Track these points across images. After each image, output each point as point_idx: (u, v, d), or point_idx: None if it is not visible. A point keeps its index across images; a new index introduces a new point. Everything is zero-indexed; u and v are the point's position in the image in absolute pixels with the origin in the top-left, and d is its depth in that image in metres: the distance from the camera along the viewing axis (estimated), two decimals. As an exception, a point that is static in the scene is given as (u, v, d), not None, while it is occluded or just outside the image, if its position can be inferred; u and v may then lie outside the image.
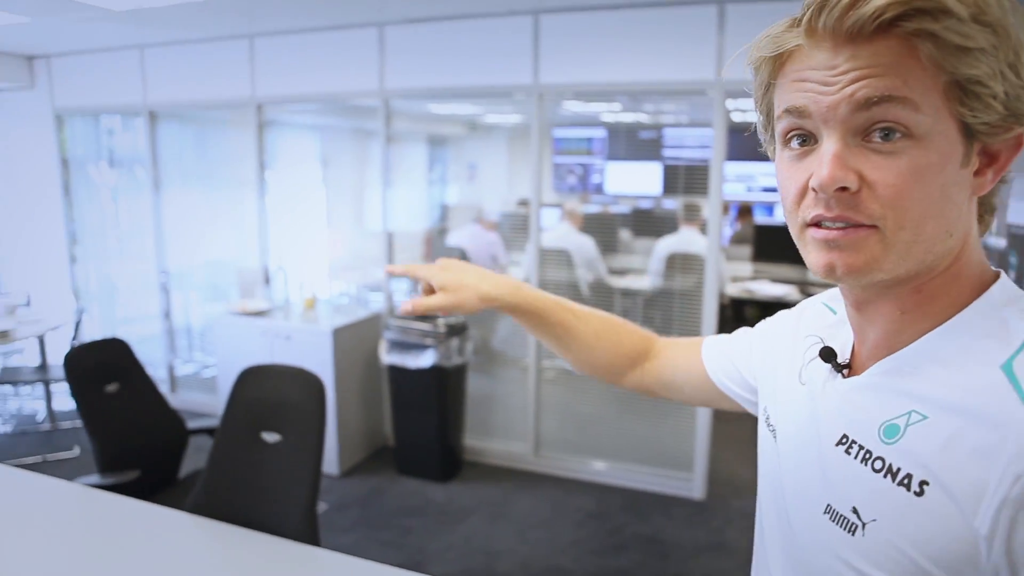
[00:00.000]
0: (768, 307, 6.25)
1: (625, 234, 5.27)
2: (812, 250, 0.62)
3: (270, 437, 2.05)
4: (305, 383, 2.04)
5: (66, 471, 3.66)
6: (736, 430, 4.51)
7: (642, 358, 1.12)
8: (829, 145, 0.59)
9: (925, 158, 0.56)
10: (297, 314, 4.12)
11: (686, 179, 3.83)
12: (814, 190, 0.59)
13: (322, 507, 3.53)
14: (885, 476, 0.60)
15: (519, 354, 4.09)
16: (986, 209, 0.64)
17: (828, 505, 0.65)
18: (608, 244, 4.51)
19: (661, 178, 4.71)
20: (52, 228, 5.30)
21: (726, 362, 0.99)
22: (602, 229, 4.66)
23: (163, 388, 4.97)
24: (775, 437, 0.78)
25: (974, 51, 0.54)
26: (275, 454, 2.03)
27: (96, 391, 2.66)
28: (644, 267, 4.56)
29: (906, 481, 0.58)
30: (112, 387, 2.73)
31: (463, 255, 4.77)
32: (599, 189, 5.96)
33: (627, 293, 4.36)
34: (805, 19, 0.58)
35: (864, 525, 0.61)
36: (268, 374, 2.12)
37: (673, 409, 3.78)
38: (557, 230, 4.59)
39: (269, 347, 3.93)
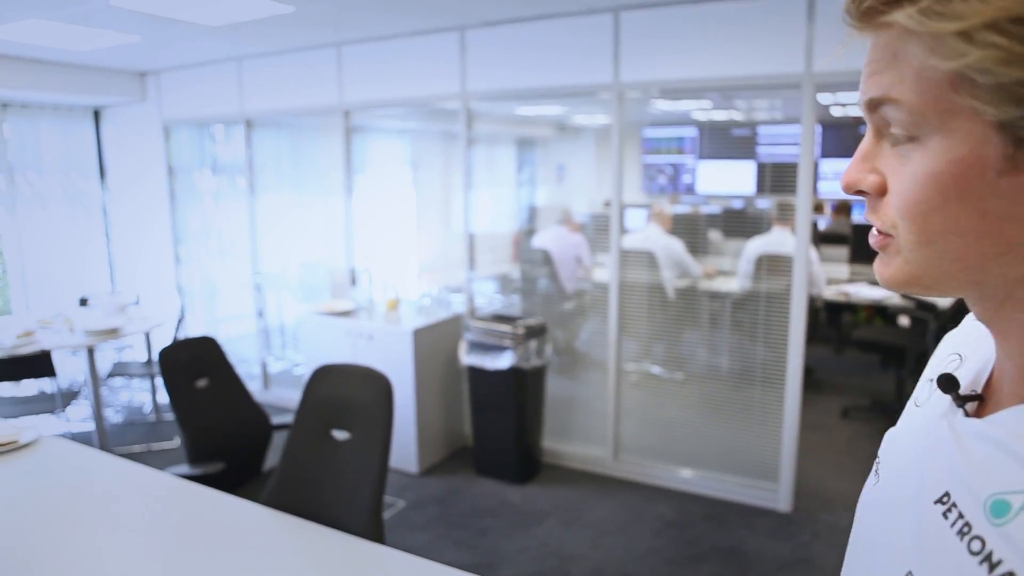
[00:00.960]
0: (864, 311, 5.92)
1: (715, 235, 5.12)
2: None
3: (340, 435, 2.10)
4: (373, 383, 2.08)
5: (167, 460, 3.89)
6: (825, 439, 4.30)
7: None
8: (863, 142, 0.53)
9: (931, 165, 0.47)
10: (380, 314, 4.21)
11: (780, 177, 3.68)
12: None
13: (400, 504, 3.59)
14: (981, 563, 0.46)
15: (601, 356, 4.04)
16: None
17: (910, 573, 0.53)
18: (697, 245, 4.40)
19: (755, 177, 4.55)
20: (160, 231, 5.65)
21: None
22: (691, 230, 4.55)
23: (256, 384, 5.26)
24: (877, 481, 0.65)
25: (971, 32, 0.43)
26: (344, 452, 2.07)
27: (187, 386, 2.81)
28: (734, 269, 4.41)
29: (994, 567, 0.45)
30: (202, 382, 2.87)
31: (547, 257, 4.76)
32: (690, 189, 5.81)
33: (715, 296, 4.23)
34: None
35: None
36: (339, 373, 2.17)
37: (758, 416, 3.63)
38: (644, 231, 4.51)
39: (352, 346, 4.04)
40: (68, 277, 5.74)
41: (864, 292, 5.10)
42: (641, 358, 4.07)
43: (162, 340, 4.79)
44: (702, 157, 5.52)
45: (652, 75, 3.59)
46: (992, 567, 0.46)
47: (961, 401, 0.56)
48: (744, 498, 3.59)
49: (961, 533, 0.49)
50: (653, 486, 3.80)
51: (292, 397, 5.07)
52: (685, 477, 3.79)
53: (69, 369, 5.17)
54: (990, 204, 0.46)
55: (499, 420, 3.82)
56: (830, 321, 5.87)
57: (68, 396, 4.04)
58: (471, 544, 3.21)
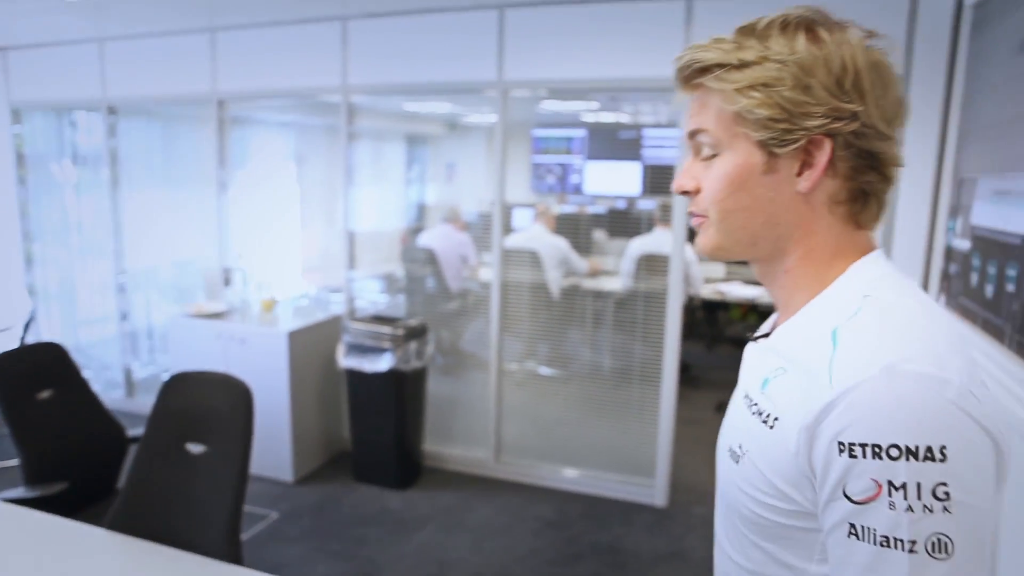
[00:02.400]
0: (743, 309, 6.19)
1: (600, 235, 5.19)
2: None
3: (195, 448, 1.95)
4: (231, 390, 1.94)
5: (7, 481, 3.54)
6: (700, 433, 4.44)
7: None
8: (686, 162, 0.84)
9: (725, 168, 0.78)
10: (255, 316, 4.01)
11: (663, 179, 3.76)
12: None
13: (273, 516, 3.42)
14: (755, 415, 0.77)
15: (485, 356, 4.00)
16: (863, 205, 0.78)
17: (729, 447, 0.82)
18: (581, 245, 4.43)
19: (640, 178, 4.64)
20: (7, 226, 5.15)
21: None
22: (576, 230, 4.58)
23: (118, 392, 4.90)
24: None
25: (743, 89, 0.74)
26: (200, 466, 1.92)
27: (26, 398, 2.54)
28: (617, 268, 4.48)
29: (766, 419, 0.75)
30: (45, 394, 2.61)
31: (432, 255, 4.68)
32: (578, 189, 5.88)
33: (599, 295, 4.28)
34: None
35: (742, 456, 0.78)
36: (195, 382, 2.02)
37: (636, 413, 3.70)
38: (529, 231, 4.51)
39: (224, 350, 3.82)
40: None
41: (738, 291, 5.32)
42: (524, 358, 4.07)
43: (7, 345, 4.39)
44: (590, 158, 5.60)
45: (537, 74, 3.58)
46: (760, 415, 0.76)
47: (756, 339, 0.90)
48: (622, 495, 3.65)
49: (750, 407, 0.80)
50: (534, 486, 3.80)
51: (159, 404, 4.75)
52: (566, 476, 3.81)
53: None
54: (758, 191, 0.77)
55: (378, 424, 3.71)
56: (707, 319, 6.10)
57: None
58: (348, 555, 3.09)
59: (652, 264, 3.85)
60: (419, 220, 5.22)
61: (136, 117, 4.81)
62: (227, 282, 4.41)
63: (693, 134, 0.81)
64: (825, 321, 0.73)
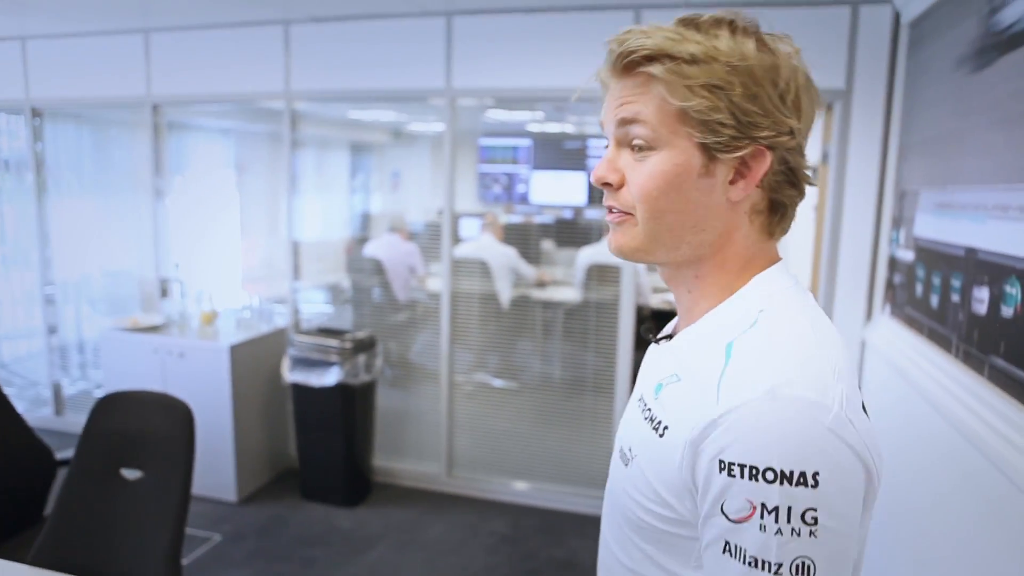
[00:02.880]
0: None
1: (548, 244, 5.18)
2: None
3: (131, 474, 1.83)
4: (171, 412, 1.83)
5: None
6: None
7: None
8: (606, 152, 0.79)
9: (662, 165, 0.73)
10: (194, 329, 3.84)
11: (606, 189, 3.74)
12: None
13: (215, 538, 3.27)
14: (647, 422, 0.76)
15: (435, 367, 3.93)
16: (775, 212, 0.78)
17: (621, 448, 0.82)
18: (530, 255, 4.40)
19: (586, 188, 4.63)
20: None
21: None
22: (524, 239, 4.54)
23: (46, 410, 4.65)
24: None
25: (695, 88, 0.70)
26: (136, 494, 1.80)
27: (-58, 421, 2.36)
28: (567, 278, 4.46)
29: (656, 426, 0.74)
30: (-37, 416, 2.43)
31: (379, 265, 4.58)
32: (524, 199, 5.86)
33: (548, 305, 4.25)
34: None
35: (631, 460, 0.77)
36: (130, 402, 1.90)
37: (589, 424, 3.68)
38: (477, 241, 4.45)
39: (161, 365, 3.65)
40: None
41: (685, 300, 5.37)
42: (474, 369, 4.01)
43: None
44: (535, 168, 5.59)
45: (485, 83, 3.54)
46: (652, 422, 0.75)
47: (657, 341, 0.88)
48: (577, 507, 3.62)
49: (643, 411, 0.79)
50: (488, 500, 3.74)
51: (90, 422, 4.51)
52: (519, 490, 3.76)
53: None
54: (692, 194, 0.74)
55: (326, 440, 3.59)
56: (657, 329, 6.13)
57: None
58: (295, 577, 2.97)
59: (602, 274, 3.84)
60: (364, 230, 5.11)
61: (65, 120, 4.58)
62: (164, 293, 4.23)
63: (624, 122, 0.75)
64: (722, 332, 0.73)
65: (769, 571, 0.63)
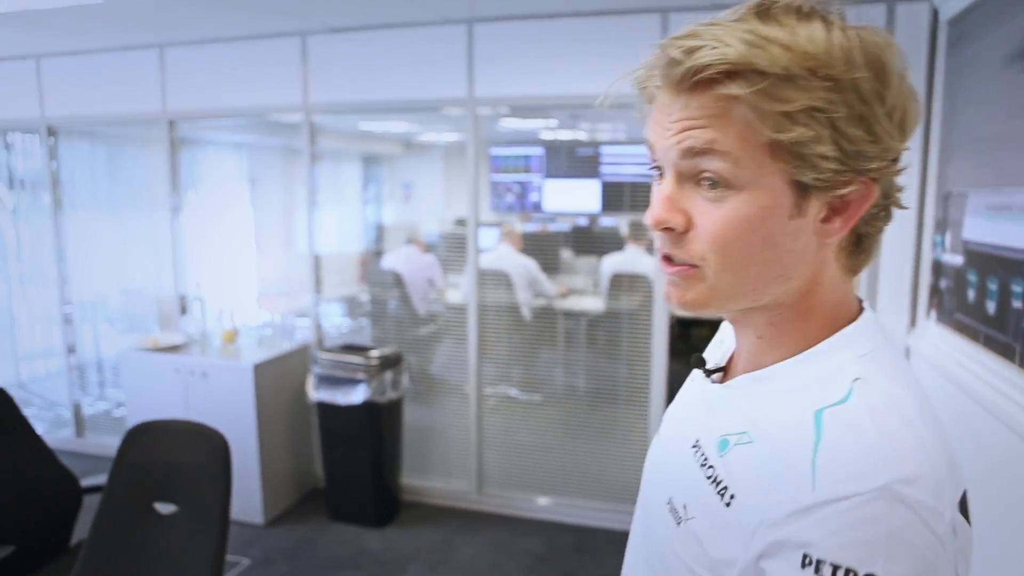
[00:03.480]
0: (716, 326, 6.16)
1: (567, 253, 5.10)
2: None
3: (165, 508, 1.75)
4: (205, 442, 1.75)
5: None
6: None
7: None
8: (665, 186, 0.63)
9: (745, 209, 0.59)
10: (215, 348, 3.77)
11: (632, 196, 3.68)
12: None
13: (244, 563, 3.19)
14: (711, 483, 0.65)
15: (458, 381, 3.84)
16: (859, 251, 0.66)
17: (670, 498, 0.70)
18: (549, 264, 4.32)
19: (600, 195, 4.57)
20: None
21: None
22: (542, 249, 4.47)
23: (67, 431, 4.59)
24: (658, 439, 0.83)
25: (793, 114, 0.55)
26: (171, 529, 1.73)
27: (-34, 451, 2.30)
28: (587, 287, 4.38)
29: (721, 492, 0.63)
30: (-13, 445, 2.37)
31: (398, 278, 4.51)
32: (537, 207, 5.80)
33: (570, 315, 4.17)
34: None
35: (685, 520, 0.67)
36: (161, 432, 1.82)
37: (622, 436, 3.59)
38: (496, 251, 4.38)
39: (183, 386, 3.58)
40: None
41: (710, 307, 5.28)
42: (499, 382, 3.93)
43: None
44: (548, 176, 5.52)
45: (507, 91, 3.47)
46: (716, 484, 0.63)
47: (708, 373, 0.76)
48: (614, 524, 3.52)
49: (703, 465, 0.66)
50: (520, 518, 3.64)
51: (113, 444, 4.44)
52: (552, 506, 3.67)
53: None
54: (779, 240, 0.60)
55: (353, 459, 3.51)
56: (681, 336, 6.04)
57: None
58: (326, 603, 2.89)
59: (627, 283, 3.76)
60: (378, 242, 5.05)
61: (80, 138, 4.54)
62: (184, 311, 4.16)
63: (692, 152, 0.59)
64: (806, 397, 0.61)
65: None
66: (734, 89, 0.56)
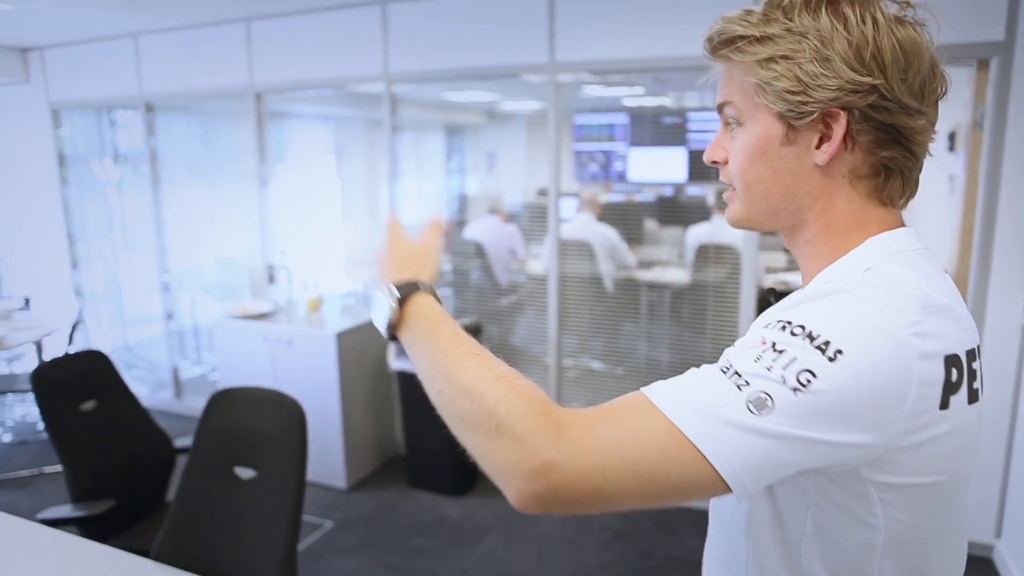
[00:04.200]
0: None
1: (651, 224, 4.94)
2: None
3: (244, 473, 1.79)
4: (283, 410, 1.77)
5: (59, 486, 3.46)
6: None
7: None
8: (717, 133, 0.84)
9: (747, 139, 0.78)
10: (301, 316, 3.86)
11: (709, 165, 3.51)
12: None
13: (327, 525, 3.28)
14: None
15: (538, 352, 3.80)
16: (888, 178, 0.76)
17: None
18: (633, 235, 4.19)
19: (686, 164, 4.42)
20: (51, 227, 5.10)
21: None
22: (626, 219, 4.34)
23: (167, 393, 4.83)
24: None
25: (763, 62, 0.74)
26: (250, 493, 1.76)
27: (69, 410, 2.43)
28: (671, 259, 4.24)
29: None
30: (89, 405, 2.49)
31: (480, 249, 4.49)
32: (621, 177, 5.64)
33: (653, 286, 4.04)
34: None
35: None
36: (242, 399, 1.86)
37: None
38: (576, 220, 4.28)
39: (270, 352, 3.68)
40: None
41: (800, 281, 5.02)
42: (580, 353, 3.86)
43: (56, 349, 4.33)
44: (633, 144, 5.36)
45: (589, 55, 3.35)
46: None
47: (776, 299, 0.80)
48: (696, 503, 3.40)
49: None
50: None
51: (207, 406, 4.66)
52: (631, 480, 3.59)
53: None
54: (777, 163, 0.77)
55: (432, 428, 3.48)
56: (769, 308, 5.80)
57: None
58: (406, 568, 2.93)
59: (714, 254, 3.61)
60: (461, 212, 5.03)
61: (175, 113, 4.70)
62: (271, 280, 4.28)
63: (721, 106, 0.81)
64: (827, 289, 0.71)
65: (735, 383, 0.64)
66: (727, 52, 0.77)
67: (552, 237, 3.60)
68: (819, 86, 0.72)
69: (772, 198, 0.78)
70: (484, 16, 3.48)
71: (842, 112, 0.73)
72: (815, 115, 0.73)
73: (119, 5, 3.73)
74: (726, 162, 0.82)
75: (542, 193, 3.99)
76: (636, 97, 4.84)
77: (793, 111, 0.74)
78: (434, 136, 5.66)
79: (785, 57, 0.73)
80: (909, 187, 0.78)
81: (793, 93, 0.73)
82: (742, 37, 0.75)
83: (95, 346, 5.17)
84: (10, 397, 4.93)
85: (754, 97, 0.76)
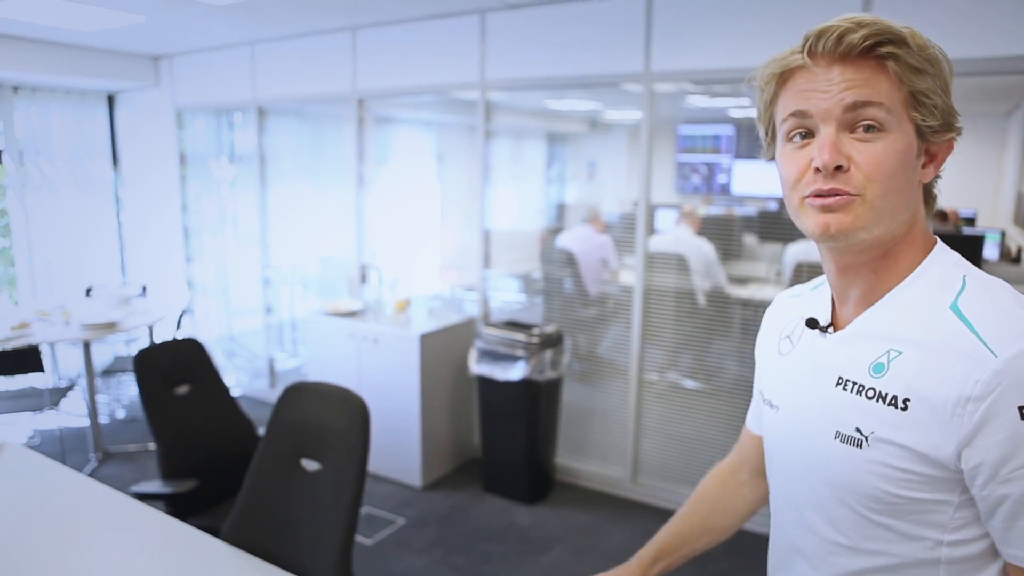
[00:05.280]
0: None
1: (750, 239, 4.77)
2: (810, 216, 0.81)
3: (310, 465, 1.85)
4: (348, 407, 1.82)
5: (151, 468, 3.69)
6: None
7: (744, 482, 1.27)
8: (828, 136, 0.78)
9: (895, 146, 0.78)
10: (388, 316, 3.97)
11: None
12: (817, 169, 0.78)
13: (400, 522, 3.35)
14: (877, 401, 0.80)
15: (624, 364, 3.74)
16: (929, 196, 0.85)
17: (837, 431, 0.84)
18: (730, 249, 4.06)
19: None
20: (171, 221, 5.47)
21: (755, 405, 1.19)
22: (723, 233, 4.21)
23: (262, 382, 5.07)
24: (776, 410, 0.98)
25: (923, 72, 0.77)
26: (313, 485, 1.82)
27: (165, 393, 2.59)
28: (768, 276, 4.07)
29: (893, 401, 0.78)
30: (183, 389, 2.65)
31: (571, 257, 4.47)
32: (725, 189, 5.48)
33: (747, 304, 3.89)
34: (808, 45, 0.78)
35: (867, 438, 0.81)
36: (312, 393, 1.92)
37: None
38: (672, 233, 4.19)
39: (357, 349, 3.80)
40: (78, 266, 5.60)
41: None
42: (666, 368, 3.76)
43: (165, 335, 4.64)
44: (738, 156, 5.20)
45: (685, 65, 3.27)
46: (884, 399, 0.80)
47: (824, 329, 0.91)
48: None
49: (859, 392, 0.83)
50: (674, 512, 3.48)
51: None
52: (710, 503, 3.47)
53: (72, 362, 5.05)
54: (910, 175, 0.81)
55: (509, 434, 3.55)
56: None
57: (57, 393, 3.87)
58: (471, 571, 2.95)
59: (812, 273, 3.43)
60: (559, 220, 5.03)
61: (286, 116, 4.94)
62: (363, 279, 4.42)
63: (856, 106, 0.77)
64: (932, 300, 0.79)
65: None
66: (893, 49, 0.75)
67: (640, 249, 3.54)
68: (951, 111, 0.78)
69: (898, 207, 0.79)
70: (580, 25, 3.47)
71: (954, 140, 0.81)
72: (950, 136, 0.79)
73: (239, 17, 3.97)
74: (848, 168, 0.78)
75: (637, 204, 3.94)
76: (742, 108, 4.70)
77: (937, 129, 0.78)
78: (535, 143, 5.69)
79: (935, 76, 0.76)
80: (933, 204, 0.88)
81: (938, 110, 0.77)
82: (904, 42, 0.75)
83: (203, 334, 5.51)
84: (125, 377, 5.31)
85: (905, 107, 0.77)
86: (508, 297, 4.40)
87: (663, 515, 3.36)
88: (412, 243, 5.09)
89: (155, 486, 2.39)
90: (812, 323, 0.92)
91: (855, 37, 0.75)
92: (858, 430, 0.81)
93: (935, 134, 0.78)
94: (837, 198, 0.78)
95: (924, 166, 0.81)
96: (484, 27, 3.74)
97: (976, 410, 0.71)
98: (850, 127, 0.78)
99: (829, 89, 0.77)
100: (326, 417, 1.84)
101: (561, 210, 5.21)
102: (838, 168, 0.77)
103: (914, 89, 0.76)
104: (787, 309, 1.05)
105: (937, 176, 0.84)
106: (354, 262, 4.54)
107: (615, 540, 3.22)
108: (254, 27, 4.29)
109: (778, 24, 2.99)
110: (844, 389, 0.84)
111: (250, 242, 5.17)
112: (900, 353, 0.79)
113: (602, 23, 3.41)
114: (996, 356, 0.70)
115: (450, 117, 5.25)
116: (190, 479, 2.40)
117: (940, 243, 0.85)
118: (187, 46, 4.89)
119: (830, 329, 0.90)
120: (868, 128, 0.77)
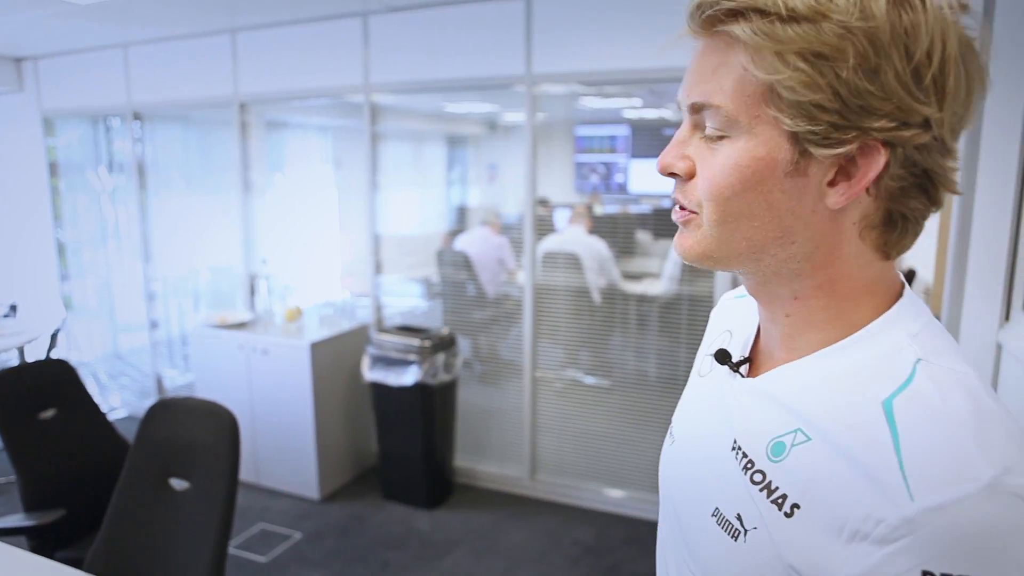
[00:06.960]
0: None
1: (644, 236, 4.92)
2: None
3: (179, 484, 1.77)
4: (214, 420, 1.76)
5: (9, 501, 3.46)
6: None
7: None
8: (679, 132, 0.62)
9: (736, 157, 0.57)
10: (279, 326, 3.86)
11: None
12: None
13: (296, 536, 3.26)
14: (763, 492, 0.60)
15: (520, 363, 3.77)
16: (893, 230, 0.59)
17: (716, 509, 0.65)
18: (625, 247, 4.17)
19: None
20: (41, 235, 5.14)
21: None
22: (617, 231, 4.32)
23: (150, 402, 4.82)
24: (672, 441, 0.79)
25: (787, 56, 0.52)
26: (183, 504, 1.74)
27: (26, 418, 2.42)
28: (661, 271, 4.21)
29: (779, 501, 0.59)
30: (48, 414, 2.49)
31: (467, 260, 4.48)
32: (623, 188, 5.63)
33: (643, 299, 4.01)
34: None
35: (746, 532, 0.62)
36: (178, 409, 1.84)
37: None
38: (565, 233, 4.27)
39: (246, 362, 3.68)
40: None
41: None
42: (564, 366, 3.82)
43: (38, 356, 4.34)
44: (634, 156, 5.36)
45: (567, 67, 3.33)
46: (770, 492, 0.59)
47: (735, 367, 0.70)
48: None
49: (745, 469, 0.62)
50: (573, 507, 3.55)
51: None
52: (607, 497, 3.55)
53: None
54: (776, 197, 0.57)
55: (406, 440, 3.51)
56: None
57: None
58: (369, 582, 2.91)
59: (693, 266, 3.55)
60: (460, 223, 5.03)
61: (170, 122, 4.73)
62: (252, 290, 4.28)
63: (697, 108, 0.59)
64: (864, 384, 0.57)
65: None
66: (735, 29, 0.54)
67: (528, 249, 3.58)
68: (862, 107, 0.52)
69: (758, 239, 0.59)
70: (462, 28, 3.48)
71: (883, 149, 0.54)
72: (849, 146, 0.54)
73: (110, 16, 3.77)
74: (690, 176, 0.61)
75: (541, 203, 3.98)
76: (636, 109, 4.84)
77: (818, 135, 0.54)
78: (434, 147, 5.67)
79: (819, 55, 0.51)
80: (913, 239, 0.61)
81: (824, 110, 0.52)
82: (759, 11, 0.53)
83: (84, 354, 5.20)
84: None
85: (759, 102, 0.55)
86: (407, 302, 4.37)
87: (563, 511, 3.45)
88: (308, 251, 4.97)
89: (16, 519, 2.23)
90: (723, 357, 0.71)
91: (692, 13, 0.57)
92: (739, 518, 0.62)
93: (826, 143, 0.54)
94: (681, 212, 0.63)
95: (832, 184, 0.56)
96: (367, 30, 3.69)
97: (869, 555, 0.51)
98: (703, 127, 0.60)
99: (689, 76, 0.60)
100: (194, 432, 1.77)
101: (462, 213, 5.22)
102: (675, 175, 0.62)
103: (772, 79, 0.53)
104: (728, 315, 0.81)
105: (904, 202, 0.57)
106: (242, 272, 4.39)
107: (514, 539, 3.24)
108: (126, 28, 4.08)
109: (660, 29, 3.09)
110: (736, 458, 0.64)
111: (134, 254, 4.92)
112: (808, 440, 0.58)
113: (483, 26, 3.43)
114: (912, 500, 0.50)
115: (344, 121, 5.16)
116: (56, 509, 2.25)
117: (906, 298, 0.62)
118: (53, 48, 4.60)
119: (743, 369, 0.70)
120: (711, 133, 0.59)
